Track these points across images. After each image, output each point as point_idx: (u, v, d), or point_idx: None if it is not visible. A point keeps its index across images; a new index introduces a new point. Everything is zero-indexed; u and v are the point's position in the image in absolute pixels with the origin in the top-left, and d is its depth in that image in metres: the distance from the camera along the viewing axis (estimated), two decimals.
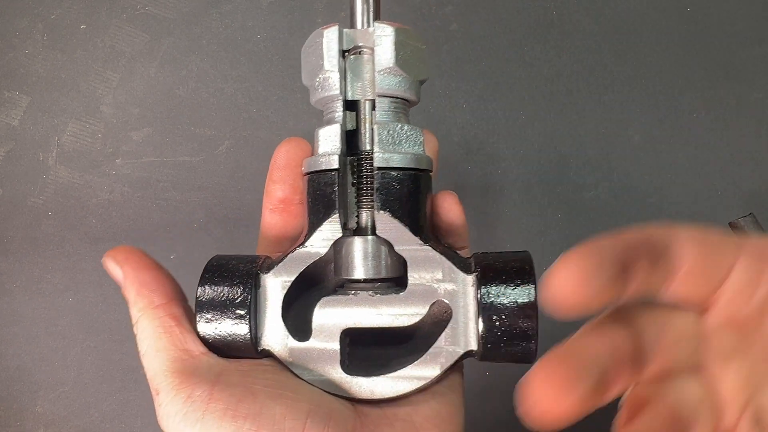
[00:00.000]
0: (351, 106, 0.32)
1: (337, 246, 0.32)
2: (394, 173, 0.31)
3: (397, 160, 0.31)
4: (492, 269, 0.30)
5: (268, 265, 0.32)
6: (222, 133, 0.63)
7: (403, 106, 0.33)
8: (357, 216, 0.32)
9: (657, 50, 0.66)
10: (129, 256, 0.33)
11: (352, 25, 0.33)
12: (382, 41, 0.31)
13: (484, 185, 0.64)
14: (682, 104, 0.66)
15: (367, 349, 0.33)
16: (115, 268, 0.33)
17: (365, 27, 0.32)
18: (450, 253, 0.32)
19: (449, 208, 0.35)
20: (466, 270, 0.31)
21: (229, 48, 0.64)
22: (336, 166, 0.31)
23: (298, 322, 0.32)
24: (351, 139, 0.32)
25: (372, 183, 0.31)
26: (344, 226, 0.31)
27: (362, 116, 0.32)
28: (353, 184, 0.32)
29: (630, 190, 0.65)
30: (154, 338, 0.31)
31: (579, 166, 0.65)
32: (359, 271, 0.31)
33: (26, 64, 0.63)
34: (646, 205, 0.65)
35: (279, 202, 0.35)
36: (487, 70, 0.65)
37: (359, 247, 0.31)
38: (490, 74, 0.65)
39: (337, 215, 0.31)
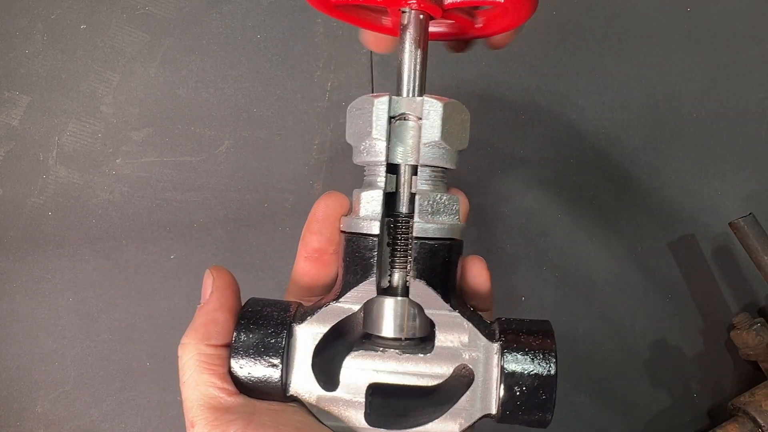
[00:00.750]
0: (392, 168, 0.34)
1: (368, 302, 0.34)
2: (431, 243, 0.33)
3: (435, 231, 0.33)
4: (515, 340, 0.32)
5: (301, 315, 0.34)
6: (222, 133, 0.63)
7: (443, 175, 0.35)
8: (390, 276, 0.34)
9: (657, 50, 0.66)
10: (225, 288, 0.35)
11: (398, 92, 0.34)
12: (431, 115, 0.33)
13: (484, 186, 0.64)
14: (682, 104, 0.66)
15: (389, 399, 0.34)
16: (208, 287, 0.35)
17: (411, 95, 0.34)
18: (476, 318, 0.34)
19: (478, 273, 0.37)
20: (491, 337, 0.33)
21: (229, 48, 0.64)
22: (377, 232, 0.33)
23: (323, 370, 0.33)
24: (389, 200, 0.34)
25: (407, 247, 0.33)
26: (377, 285, 0.33)
27: (402, 180, 0.34)
28: (388, 245, 0.33)
29: (630, 190, 0.65)
30: (198, 371, 0.33)
31: (579, 166, 0.65)
32: (389, 330, 0.33)
33: (26, 64, 0.63)
34: (646, 205, 0.65)
35: (314, 251, 0.36)
36: (487, 70, 0.65)
37: (391, 308, 0.33)
38: (490, 74, 0.65)
39: (373, 278, 0.33)
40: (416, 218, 0.33)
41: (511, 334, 0.33)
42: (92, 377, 0.60)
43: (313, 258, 0.37)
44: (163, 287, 0.61)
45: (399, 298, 0.33)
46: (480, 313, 0.36)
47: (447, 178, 0.35)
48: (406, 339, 0.34)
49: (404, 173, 0.34)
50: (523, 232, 0.64)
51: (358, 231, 0.33)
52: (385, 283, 0.34)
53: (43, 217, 0.61)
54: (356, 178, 0.36)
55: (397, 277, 0.34)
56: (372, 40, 0.41)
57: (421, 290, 0.33)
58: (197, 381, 0.32)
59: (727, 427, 0.56)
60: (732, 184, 0.65)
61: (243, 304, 0.34)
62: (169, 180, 0.63)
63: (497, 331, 0.33)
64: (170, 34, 0.64)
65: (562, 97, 0.65)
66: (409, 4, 0.34)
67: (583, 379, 0.63)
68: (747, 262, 0.62)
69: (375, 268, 0.33)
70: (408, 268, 0.33)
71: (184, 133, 0.63)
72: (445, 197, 0.34)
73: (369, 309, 0.34)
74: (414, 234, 0.32)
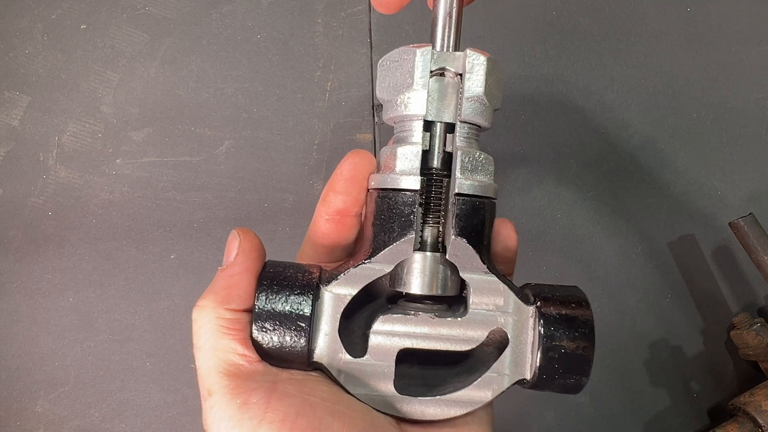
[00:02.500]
0: (427, 126, 0.32)
1: (398, 263, 0.32)
2: (473, 200, 0.32)
3: (476, 189, 0.32)
4: (552, 304, 0.32)
5: (328, 277, 0.32)
6: (222, 133, 0.63)
7: (478, 133, 0.33)
8: (422, 234, 0.32)
9: (657, 50, 0.66)
10: (254, 248, 0.32)
11: (433, 46, 0.33)
12: (475, 69, 0.31)
13: None
14: (682, 104, 0.66)
15: (415, 367, 0.33)
16: (233, 248, 0.32)
17: (447, 49, 0.33)
18: (509, 282, 0.33)
19: (508, 234, 0.36)
20: (525, 301, 0.32)
21: (229, 48, 0.64)
22: (417, 186, 0.31)
23: (348, 336, 0.32)
24: (423, 158, 0.32)
25: (444, 205, 0.32)
26: (413, 243, 0.31)
27: (437, 137, 0.32)
28: (421, 204, 0.32)
29: (630, 190, 0.65)
30: (217, 336, 0.30)
31: (579, 166, 0.65)
32: (420, 287, 0.32)
33: (26, 64, 0.63)
34: (647, 205, 0.65)
35: (336, 213, 0.34)
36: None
37: (424, 264, 0.32)
38: None
39: (412, 235, 0.31)
40: (458, 174, 0.31)
41: (546, 299, 0.32)
42: (92, 377, 0.60)
43: (334, 219, 0.34)
44: (163, 287, 0.61)
45: (431, 253, 0.32)
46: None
47: (481, 139, 0.34)
48: (438, 297, 0.32)
49: (439, 131, 0.32)
50: (523, 232, 0.64)
51: (395, 186, 0.32)
52: (417, 243, 0.32)
53: (43, 217, 0.61)
54: None
55: (429, 234, 0.32)
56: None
57: (461, 249, 0.31)
58: (216, 347, 0.30)
59: (727, 427, 0.56)
60: (732, 184, 0.65)
61: (263, 266, 0.32)
62: (169, 180, 0.62)
63: (531, 295, 0.33)
64: (170, 34, 0.64)
65: (562, 97, 0.65)
66: None
67: None
68: (747, 262, 0.62)
69: (413, 225, 0.31)
70: (440, 225, 0.32)
71: (184, 133, 0.63)
72: (482, 156, 0.33)
73: (399, 267, 0.32)
74: (456, 190, 0.31)
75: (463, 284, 0.33)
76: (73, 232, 0.62)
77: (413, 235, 0.31)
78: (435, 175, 0.32)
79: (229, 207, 0.62)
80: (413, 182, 0.31)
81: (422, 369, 0.33)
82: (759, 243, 0.57)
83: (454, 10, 0.33)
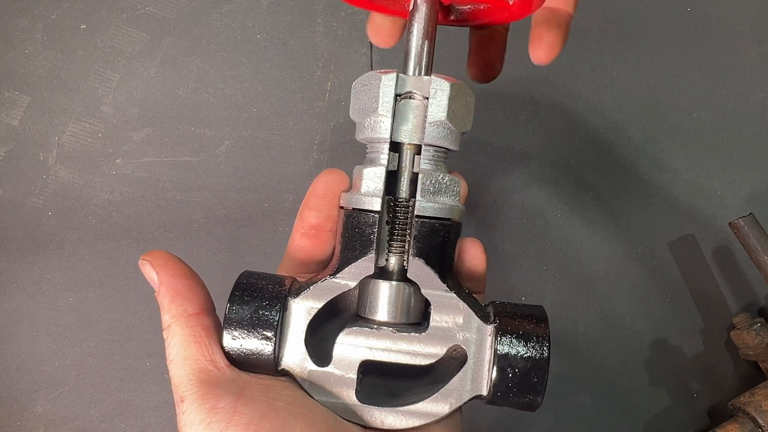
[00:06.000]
0: (394, 147, 0.34)
1: (363, 283, 0.34)
2: (432, 222, 0.33)
3: (436, 210, 0.33)
4: (510, 323, 0.33)
5: (296, 289, 0.33)
6: (222, 133, 0.63)
7: (445, 155, 0.35)
8: (387, 256, 0.33)
9: (657, 50, 0.66)
10: (166, 262, 0.34)
11: (405, 70, 0.34)
12: (438, 95, 0.33)
13: (483, 185, 0.64)
14: (682, 104, 0.66)
15: (380, 377, 0.34)
16: (150, 272, 0.34)
17: (418, 74, 0.34)
18: (471, 300, 0.34)
19: (474, 255, 0.37)
20: (485, 319, 0.33)
21: (229, 48, 0.64)
22: (378, 208, 0.33)
23: (316, 346, 0.33)
24: (389, 179, 0.33)
25: (407, 228, 0.33)
26: (375, 263, 0.33)
27: (404, 159, 0.34)
28: (387, 223, 0.33)
29: (630, 190, 0.65)
30: (184, 346, 0.32)
31: (579, 166, 0.65)
32: (383, 314, 0.33)
33: (26, 64, 0.63)
34: (646, 205, 0.65)
35: (311, 228, 0.36)
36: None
37: (387, 292, 0.33)
38: None
39: (372, 255, 0.33)
40: (418, 196, 0.33)
41: (506, 317, 0.33)
42: (92, 377, 0.60)
43: (309, 234, 0.36)
44: None
45: (395, 282, 0.33)
46: (474, 294, 0.36)
47: (449, 160, 0.35)
48: (400, 324, 0.34)
49: (407, 152, 0.34)
50: (523, 232, 0.64)
51: (359, 207, 0.33)
52: (382, 262, 0.33)
53: (43, 217, 0.61)
54: None
55: (394, 260, 0.34)
56: (378, 34, 0.40)
57: (419, 269, 0.33)
58: (185, 356, 0.32)
59: (727, 427, 0.56)
60: (732, 184, 0.65)
61: (238, 276, 0.34)
62: (169, 180, 0.63)
63: (492, 314, 0.34)
64: (170, 34, 0.64)
65: (562, 97, 0.65)
66: None
67: (583, 379, 0.63)
68: (747, 262, 0.62)
69: (374, 245, 0.33)
70: (406, 250, 0.33)
71: (184, 133, 0.63)
72: (446, 178, 0.34)
73: (363, 291, 0.34)
74: (415, 212, 0.32)
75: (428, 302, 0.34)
76: (73, 232, 0.62)
77: (374, 255, 0.33)
78: (401, 198, 0.33)
79: (229, 207, 0.62)
80: (375, 203, 0.33)
81: (389, 380, 0.35)
82: (759, 243, 0.57)
83: (426, 36, 0.34)
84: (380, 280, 0.33)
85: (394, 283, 0.33)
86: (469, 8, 0.38)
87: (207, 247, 0.62)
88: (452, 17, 0.39)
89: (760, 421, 0.55)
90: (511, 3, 0.35)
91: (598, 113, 0.65)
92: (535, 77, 0.65)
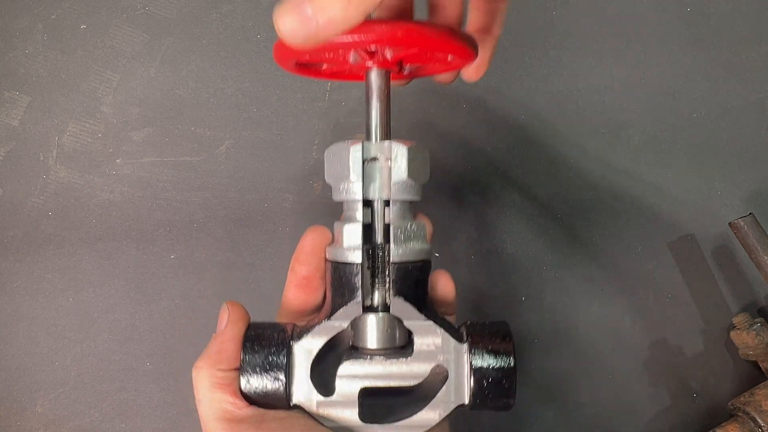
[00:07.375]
0: (367, 203, 0.39)
1: (354, 319, 0.39)
2: (407, 266, 0.39)
3: (409, 255, 0.39)
4: (480, 340, 0.39)
5: (298, 333, 0.39)
6: (222, 133, 0.63)
7: (411, 205, 0.41)
8: (371, 295, 0.39)
9: (657, 50, 0.66)
10: (240, 318, 0.40)
11: (368, 137, 0.40)
12: (398, 158, 0.38)
13: (483, 185, 0.64)
14: (682, 104, 0.66)
15: (378, 398, 0.40)
16: (224, 320, 0.40)
17: (380, 140, 0.39)
18: (446, 325, 0.40)
19: (444, 284, 0.43)
20: (460, 339, 0.39)
21: (229, 48, 0.64)
22: (359, 260, 0.38)
23: (320, 379, 0.39)
24: (366, 230, 0.39)
25: (386, 270, 0.39)
26: (362, 304, 0.39)
27: (377, 212, 0.39)
28: (368, 268, 0.39)
29: (630, 190, 0.65)
30: (211, 391, 0.38)
31: (579, 166, 0.65)
32: (374, 342, 0.39)
33: (26, 64, 0.63)
34: (646, 205, 0.65)
35: (303, 279, 0.42)
36: (487, 70, 0.65)
37: (375, 323, 0.39)
38: (490, 74, 0.65)
39: (359, 298, 0.38)
40: (392, 245, 0.38)
41: (477, 336, 0.39)
42: (92, 377, 0.60)
43: (302, 285, 0.42)
44: (163, 287, 0.61)
45: (380, 314, 0.39)
46: (447, 317, 0.43)
47: (414, 208, 0.41)
48: (388, 349, 0.39)
49: (378, 207, 0.39)
50: (523, 232, 0.64)
51: (342, 260, 0.39)
52: (368, 302, 0.39)
53: (43, 217, 0.61)
54: None
55: (377, 297, 0.39)
56: None
57: (400, 306, 0.38)
58: (212, 399, 0.37)
59: (727, 427, 0.56)
60: (732, 184, 0.65)
61: (246, 328, 0.39)
62: (169, 180, 0.63)
63: (465, 334, 0.40)
64: (170, 34, 0.64)
65: (562, 97, 0.65)
66: (368, 66, 0.39)
67: (583, 379, 0.63)
68: (747, 262, 0.62)
69: (360, 290, 0.38)
70: (387, 287, 0.39)
71: (184, 133, 0.63)
72: (414, 225, 0.40)
73: (356, 325, 0.39)
74: (391, 260, 0.38)
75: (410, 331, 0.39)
76: (73, 232, 0.62)
77: (359, 298, 0.38)
78: (378, 245, 0.39)
79: (229, 207, 0.62)
80: (356, 256, 0.38)
81: (386, 399, 0.40)
82: (759, 243, 0.57)
83: (382, 106, 0.40)
84: (368, 314, 0.39)
85: (380, 314, 0.39)
86: (416, 66, 0.45)
87: (207, 247, 0.62)
88: (404, 72, 0.46)
89: (760, 421, 0.55)
90: (450, 60, 0.41)
91: (598, 113, 0.65)
92: (534, 77, 0.65)
